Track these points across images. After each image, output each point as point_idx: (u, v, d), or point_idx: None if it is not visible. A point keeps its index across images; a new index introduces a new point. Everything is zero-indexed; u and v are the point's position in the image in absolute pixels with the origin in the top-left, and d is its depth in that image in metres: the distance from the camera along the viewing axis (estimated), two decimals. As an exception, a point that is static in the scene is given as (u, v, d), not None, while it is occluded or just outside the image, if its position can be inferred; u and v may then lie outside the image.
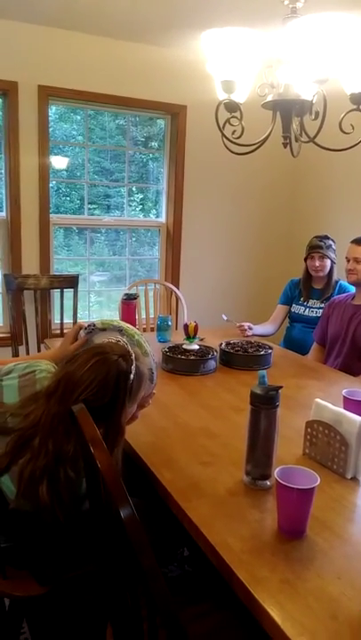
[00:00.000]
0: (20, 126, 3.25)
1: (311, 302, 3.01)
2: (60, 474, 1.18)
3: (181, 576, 1.67)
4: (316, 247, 2.90)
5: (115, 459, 1.24)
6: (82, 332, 1.49)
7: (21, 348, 3.35)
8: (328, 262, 2.91)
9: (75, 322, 3.40)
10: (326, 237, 2.94)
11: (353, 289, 2.58)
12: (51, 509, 1.18)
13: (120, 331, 1.41)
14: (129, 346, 1.31)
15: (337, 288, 2.93)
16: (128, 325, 1.45)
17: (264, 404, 1.23)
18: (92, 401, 1.18)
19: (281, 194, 4.23)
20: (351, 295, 2.57)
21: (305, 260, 2.99)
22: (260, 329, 2.95)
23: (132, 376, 1.25)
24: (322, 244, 2.90)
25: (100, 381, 1.20)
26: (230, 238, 4.15)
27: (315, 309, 2.97)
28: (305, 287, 3.03)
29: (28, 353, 3.32)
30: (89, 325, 1.47)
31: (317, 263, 2.90)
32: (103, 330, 1.44)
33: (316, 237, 2.96)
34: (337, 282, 2.96)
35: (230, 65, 1.64)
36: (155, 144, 3.98)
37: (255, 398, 1.24)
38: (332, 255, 2.91)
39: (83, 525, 1.26)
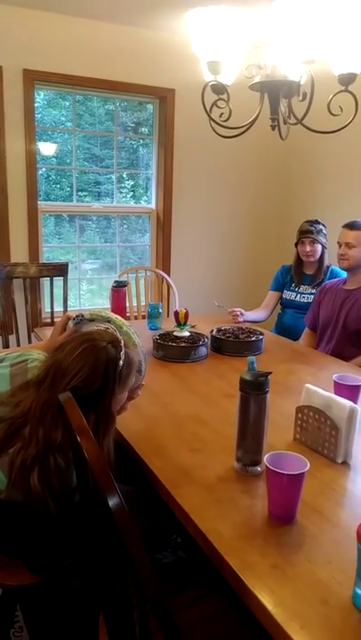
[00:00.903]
0: (6, 112, 3.19)
1: (303, 288, 3.00)
2: (49, 462, 1.17)
3: (175, 562, 1.67)
4: (307, 232, 2.88)
5: (106, 446, 1.23)
6: (70, 323, 1.48)
7: (11, 338, 3.32)
8: (319, 247, 2.89)
9: (65, 310, 3.38)
10: (317, 222, 2.92)
11: (344, 274, 2.57)
12: (42, 498, 1.18)
13: (108, 321, 1.41)
14: (117, 332, 1.30)
15: (328, 273, 2.92)
16: (117, 316, 1.44)
17: (253, 390, 1.22)
18: (82, 388, 1.18)
19: (272, 178, 4.20)
20: (343, 280, 2.56)
21: (296, 245, 2.97)
22: (251, 315, 2.94)
23: (121, 362, 1.24)
24: (312, 228, 2.88)
25: (89, 368, 1.19)
26: (221, 224, 4.12)
27: (306, 295, 2.96)
28: (296, 273, 3.02)
29: (18, 342, 3.30)
30: (77, 316, 1.47)
31: (308, 248, 2.88)
32: (91, 320, 1.44)
33: (306, 222, 2.94)
34: (328, 267, 2.95)
35: (216, 45, 1.61)
36: (145, 129, 3.93)
37: (244, 384, 1.23)
38: (323, 240, 2.89)
39: (74, 514, 1.26)
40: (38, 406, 1.20)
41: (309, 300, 2.88)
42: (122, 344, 1.26)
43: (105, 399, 1.22)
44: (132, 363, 1.30)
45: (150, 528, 1.45)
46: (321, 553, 0.99)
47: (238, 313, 2.80)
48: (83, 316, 1.46)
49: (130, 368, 1.29)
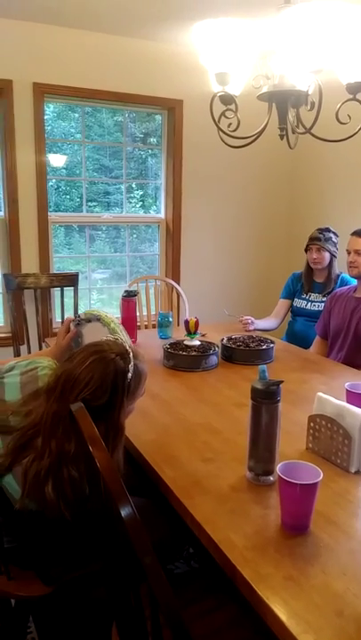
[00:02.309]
0: (16, 125, 3.24)
1: (313, 296, 2.99)
2: (63, 474, 1.18)
3: (188, 573, 1.66)
4: (315, 239, 2.88)
5: (115, 457, 1.23)
6: (72, 325, 1.53)
7: (23, 348, 3.34)
8: (327, 255, 2.88)
9: (76, 320, 3.39)
10: (327, 230, 2.92)
11: (355, 282, 2.56)
12: (57, 508, 1.18)
13: (98, 319, 1.44)
14: (127, 344, 1.30)
15: (339, 282, 2.91)
16: (105, 314, 1.47)
17: (265, 399, 1.22)
18: (91, 400, 1.18)
19: (280, 187, 4.20)
20: (353, 288, 2.55)
21: (306, 252, 2.97)
22: (262, 323, 2.93)
23: (129, 375, 1.24)
24: (321, 236, 2.87)
25: (97, 380, 1.19)
26: (230, 232, 4.13)
27: (316, 303, 2.95)
28: (306, 280, 3.01)
29: (29, 352, 3.31)
30: (75, 317, 1.51)
31: (315, 255, 2.88)
32: (88, 321, 1.48)
33: (317, 229, 2.93)
34: (338, 275, 2.94)
35: (224, 56, 1.62)
36: (153, 140, 3.96)
37: (256, 393, 1.23)
38: (332, 248, 2.88)
39: (87, 525, 1.25)
40: (49, 417, 1.20)
41: (320, 309, 2.87)
42: (131, 356, 1.26)
43: (114, 411, 1.23)
44: (140, 374, 1.30)
45: (163, 539, 1.44)
46: (336, 564, 0.98)
47: (249, 321, 2.79)
48: (80, 316, 1.51)
49: (139, 380, 1.30)
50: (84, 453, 1.18)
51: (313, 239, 2.89)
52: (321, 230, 2.91)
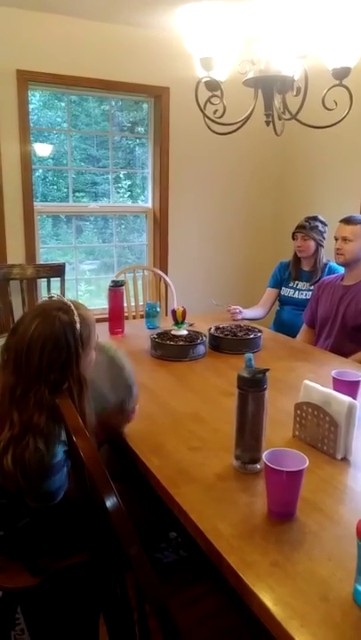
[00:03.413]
0: (0, 113, 3.18)
1: (300, 284, 2.98)
2: (29, 444, 1.16)
3: (176, 561, 1.66)
4: (300, 227, 2.88)
5: (85, 411, 1.22)
6: None
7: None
8: (312, 243, 2.87)
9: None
10: (314, 218, 2.91)
11: (342, 270, 2.56)
12: (14, 477, 1.17)
13: (51, 297, 1.42)
14: (63, 298, 1.30)
15: (326, 270, 2.91)
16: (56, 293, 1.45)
17: (251, 388, 1.22)
18: (48, 359, 1.17)
19: (268, 175, 4.19)
20: (341, 276, 2.55)
21: (293, 239, 2.97)
22: (250, 312, 2.93)
23: (78, 325, 1.23)
24: (306, 224, 2.86)
25: (50, 340, 1.19)
26: (218, 222, 4.11)
27: (304, 292, 2.95)
28: (294, 268, 3.01)
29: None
30: None
31: (299, 243, 2.88)
32: None
33: (305, 218, 2.93)
34: (326, 264, 2.94)
35: (208, 41, 1.60)
36: (141, 129, 3.92)
37: (242, 382, 1.22)
38: (318, 237, 2.87)
39: (70, 513, 1.25)
40: (7, 390, 1.19)
41: (307, 297, 2.87)
42: (72, 307, 1.25)
43: (72, 365, 1.22)
44: (87, 320, 1.28)
45: (143, 525, 1.44)
46: (321, 550, 0.98)
47: (237, 311, 2.79)
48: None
49: (88, 327, 1.28)
50: (67, 443, 1.17)
51: (299, 227, 2.89)
52: (308, 219, 2.90)
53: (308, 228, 2.86)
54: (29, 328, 1.20)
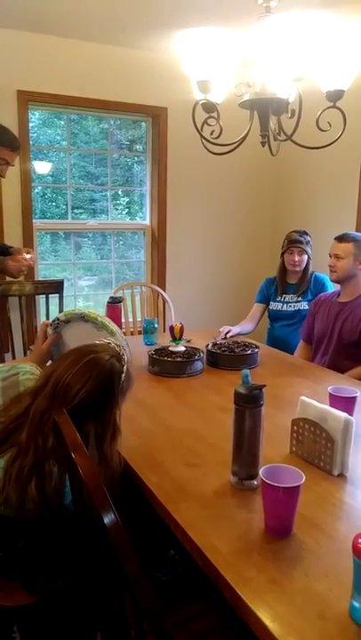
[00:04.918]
0: (1, 132, 3.23)
1: (288, 297, 3.03)
2: (45, 469, 1.17)
3: (173, 579, 1.65)
4: (297, 242, 2.91)
5: (110, 455, 1.23)
6: (49, 330, 1.49)
7: (7, 356, 3.32)
8: (305, 258, 2.93)
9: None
10: (305, 233, 2.97)
11: (327, 279, 2.61)
12: (38, 507, 1.17)
13: (82, 317, 1.42)
14: (121, 348, 1.31)
15: (312, 280, 2.96)
16: (90, 310, 1.45)
17: (248, 404, 1.23)
18: (87, 400, 1.19)
19: (264, 193, 4.24)
20: (336, 293, 2.58)
21: (282, 254, 3.00)
22: (237, 329, 2.92)
23: (123, 376, 1.25)
24: (302, 239, 2.92)
25: (94, 381, 1.20)
26: (214, 238, 4.15)
27: (292, 304, 2.99)
28: (280, 282, 3.05)
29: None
30: (53, 321, 1.47)
31: (297, 258, 2.92)
32: (67, 322, 1.45)
33: (295, 232, 2.97)
34: (312, 274, 2.99)
35: (205, 65, 1.64)
36: (139, 147, 3.97)
37: (239, 398, 1.23)
38: (310, 251, 2.94)
39: (69, 531, 1.25)
40: (37, 413, 1.20)
41: (296, 309, 2.92)
42: (125, 358, 1.27)
43: (110, 411, 1.24)
44: (131, 376, 1.32)
45: (143, 546, 1.44)
46: (318, 566, 0.98)
47: (226, 330, 2.76)
48: (58, 319, 1.47)
49: (129, 382, 1.32)
50: (66, 460, 1.18)
51: (294, 242, 2.92)
52: (300, 233, 2.95)
53: (304, 242, 2.90)
54: (77, 363, 1.21)
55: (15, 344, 3.31)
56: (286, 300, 3.02)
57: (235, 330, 2.86)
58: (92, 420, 1.21)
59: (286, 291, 3.03)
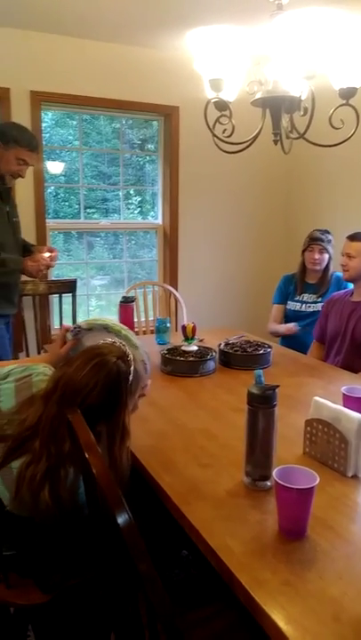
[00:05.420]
0: (14, 133, 3.25)
1: (307, 297, 2.98)
2: (60, 473, 1.18)
3: (186, 580, 1.65)
4: (318, 239, 2.87)
5: (122, 459, 1.23)
6: (68, 335, 1.49)
7: (21, 355, 3.34)
8: (326, 257, 2.89)
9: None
10: (327, 232, 2.93)
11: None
12: (52, 511, 1.17)
13: (105, 328, 1.41)
14: (126, 347, 1.30)
15: (333, 280, 2.92)
16: (113, 322, 1.45)
17: (261, 404, 1.22)
18: (96, 404, 1.19)
19: (276, 191, 4.22)
20: (350, 292, 2.55)
21: (303, 252, 2.96)
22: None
23: (130, 377, 1.25)
24: (323, 237, 2.88)
25: (101, 384, 1.19)
26: (227, 237, 4.14)
27: (310, 304, 2.94)
28: (299, 281, 3.00)
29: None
30: (75, 328, 1.47)
31: (317, 256, 2.88)
32: (89, 330, 1.44)
33: (317, 230, 2.93)
34: (333, 274, 2.95)
35: (217, 63, 1.63)
36: (151, 146, 3.97)
37: (252, 398, 1.23)
38: (331, 251, 2.90)
39: (82, 531, 1.25)
40: (48, 420, 1.20)
41: (314, 310, 2.88)
42: (131, 358, 1.27)
43: (118, 413, 1.23)
44: (139, 376, 1.31)
45: (155, 547, 1.44)
46: (333, 569, 0.97)
47: (292, 325, 2.86)
48: (80, 326, 1.46)
49: (138, 381, 1.31)
50: (80, 459, 1.18)
51: (315, 239, 2.88)
52: (322, 232, 2.91)
53: (325, 241, 2.86)
54: (85, 366, 1.21)
55: (29, 343, 3.33)
56: (305, 299, 2.98)
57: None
58: (102, 423, 1.22)
59: (305, 290, 2.99)
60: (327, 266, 2.92)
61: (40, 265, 2.54)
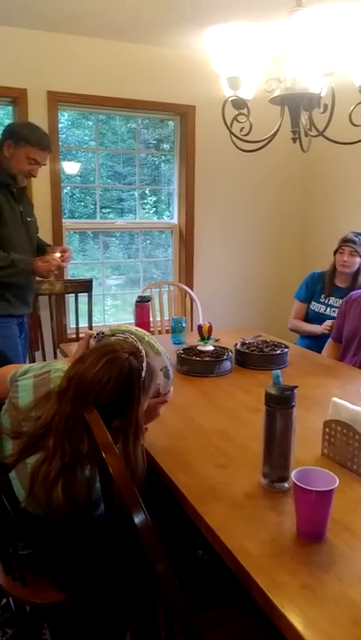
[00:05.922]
0: (31, 133, 3.27)
1: (333, 300, 2.88)
2: (76, 473, 1.18)
3: (202, 580, 1.65)
4: (349, 241, 2.78)
5: (133, 455, 1.22)
6: (92, 341, 1.49)
7: (37, 354, 3.36)
8: (357, 260, 2.79)
9: (90, 326, 3.41)
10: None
11: None
12: (65, 509, 1.17)
13: (126, 339, 1.42)
14: (138, 342, 1.30)
15: None
16: (137, 328, 1.44)
17: (279, 405, 1.21)
18: (109, 401, 1.18)
19: (294, 190, 4.19)
20: (369, 291, 2.52)
21: (335, 253, 2.88)
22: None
23: (143, 373, 1.24)
24: (356, 239, 2.77)
25: (114, 381, 1.19)
26: (243, 237, 4.12)
27: (336, 309, 2.81)
28: (328, 282, 2.90)
29: (44, 358, 3.33)
30: (98, 334, 1.48)
31: (346, 258, 2.78)
32: (112, 336, 1.44)
33: (352, 232, 2.86)
34: None
35: (235, 61, 1.62)
36: (166, 146, 3.97)
37: (270, 399, 1.22)
38: None
39: (98, 529, 1.25)
40: (62, 419, 1.20)
41: None
42: (143, 354, 1.26)
43: (132, 410, 1.23)
44: (153, 371, 1.31)
45: (172, 546, 1.43)
46: (352, 572, 0.96)
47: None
48: (103, 333, 1.47)
49: (152, 376, 1.30)
50: (97, 459, 1.18)
51: (347, 241, 2.80)
52: (356, 234, 2.82)
53: (357, 243, 2.77)
54: (97, 363, 1.20)
55: (45, 342, 3.35)
56: (330, 302, 2.88)
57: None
58: (115, 420, 1.21)
59: (333, 293, 2.88)
60: (358, 270, 2.82)
61: (50, 265, 2.51)
